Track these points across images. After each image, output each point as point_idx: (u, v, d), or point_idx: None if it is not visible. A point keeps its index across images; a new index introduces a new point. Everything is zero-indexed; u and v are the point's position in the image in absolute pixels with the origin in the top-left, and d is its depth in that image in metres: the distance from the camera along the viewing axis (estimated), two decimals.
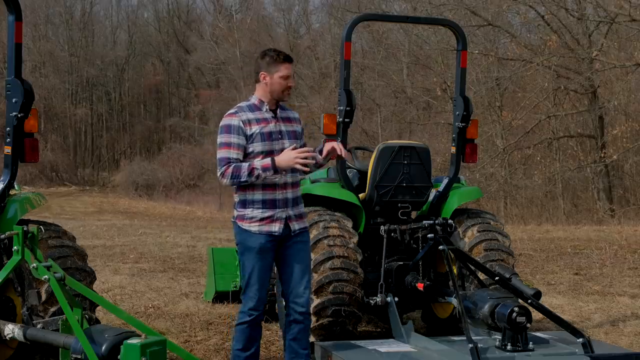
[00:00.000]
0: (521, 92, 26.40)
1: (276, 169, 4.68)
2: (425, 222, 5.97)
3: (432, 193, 6.64)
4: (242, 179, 4.67)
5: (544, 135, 25.97)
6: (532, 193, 26.60)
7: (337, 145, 4.88)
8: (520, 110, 25.48)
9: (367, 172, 6.59)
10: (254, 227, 4.78)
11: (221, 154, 4.73)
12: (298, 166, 4.68)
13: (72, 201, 36.84)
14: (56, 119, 50.27)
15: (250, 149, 4.75)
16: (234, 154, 4.72)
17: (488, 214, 6.72)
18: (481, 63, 26.10)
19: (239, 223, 4.84)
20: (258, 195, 4.77)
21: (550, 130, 26.11)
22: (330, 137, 6.29)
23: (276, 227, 4.79)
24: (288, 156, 4.67)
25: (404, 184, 6.44)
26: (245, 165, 4.67)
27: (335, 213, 6.28)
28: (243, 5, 52.71)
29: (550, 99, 25.46)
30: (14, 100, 4.96)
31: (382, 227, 6.35)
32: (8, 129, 5.03)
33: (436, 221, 5.85)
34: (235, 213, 4.87)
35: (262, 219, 4.77)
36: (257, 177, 4.67)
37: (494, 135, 26.10)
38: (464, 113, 6.56)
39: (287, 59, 4.83)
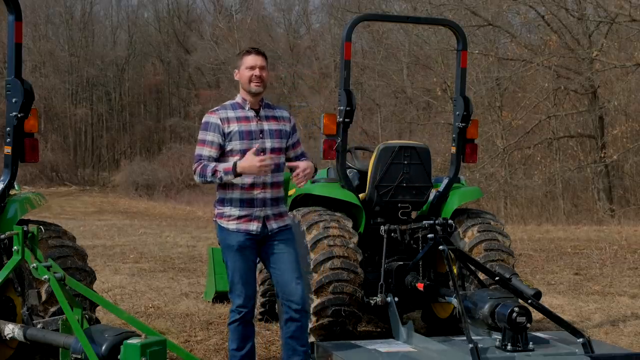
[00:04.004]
0: (521, 92, 26.40)
1: (237, 174, 4.63)
2: (425, 222, 5.96)
3: (432, 193, 6.64)
4: (208, 179, 4.67)
5: (544, 135, 25.96)
6: (532, 193, 26.57)
7: (302, 172, 4.74)
8: (520, 110, 25.48)
9: (367, 172, 6.59)
10: (232, 225, 4.80)
11: (196, 150, 4.78)
12: (262, 173, 4.66)
13: (72, 201, 36.78)
14: (56, 119, 50.20)
15: (229, 147, 4.76)
16: (206, 151, 4.74)
17: (488, 214, 6.72)
18: (481, 63, 26.10)
19: (219, 221, 4.86)
20: (236, 194, 4.78)
21: (550, 130, 26.10)
22: (330, 137, 6.31)
23: (254, 226, 4.79)
24: (251, 162, 4.60)
25: (404, 184, 6.44)
26: (210, 165, 4.67)
27: (335, 213, 6.28)
28: (243, 5, 52.69)
29: (550, 99, 25.45)
30: (14, 100, 4.96)
31: (382, 227, 6.35)
32: (8, 129, 5.03)
33: (436, 221, 5.85)
34: (215, 211, 4.89)
35: (239, 217, 4.79)
36: (221, 179, 4.66)
37: (494, 135, 26.09)
38: (464, 113, 6.56)
39: (253, 51, 4.85)
